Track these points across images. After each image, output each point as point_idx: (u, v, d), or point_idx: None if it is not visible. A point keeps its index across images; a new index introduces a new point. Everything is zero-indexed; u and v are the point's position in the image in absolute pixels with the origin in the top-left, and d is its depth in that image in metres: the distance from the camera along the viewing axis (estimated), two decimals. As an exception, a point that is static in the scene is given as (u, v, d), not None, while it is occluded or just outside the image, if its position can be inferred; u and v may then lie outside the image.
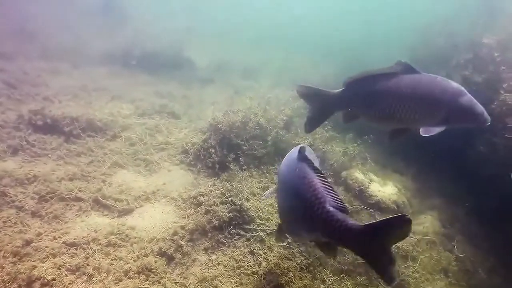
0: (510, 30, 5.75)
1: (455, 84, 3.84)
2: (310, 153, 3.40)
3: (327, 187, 2.81)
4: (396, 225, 2.41)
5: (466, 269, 5.19)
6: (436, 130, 3.77)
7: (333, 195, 2.77)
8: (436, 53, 7.52)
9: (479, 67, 6.24)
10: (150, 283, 4.13)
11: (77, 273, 3.99)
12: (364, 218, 5.64)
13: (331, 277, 4.33)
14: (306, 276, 4.37)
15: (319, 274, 4.38)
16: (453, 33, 7.49)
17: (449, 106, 3.77)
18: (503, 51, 5.73)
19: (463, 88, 3.83)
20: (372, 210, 5.82)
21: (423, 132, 3.81)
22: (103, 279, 3.98)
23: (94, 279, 3.97)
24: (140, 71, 11.73)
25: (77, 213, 4.92)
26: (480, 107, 3.77)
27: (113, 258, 4.28)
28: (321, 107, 4.53)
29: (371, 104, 4.13)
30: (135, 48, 12.46)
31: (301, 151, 3.09)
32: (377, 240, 2.49)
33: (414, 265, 4.96)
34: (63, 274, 3.92)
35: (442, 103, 3.78)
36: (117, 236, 4.61)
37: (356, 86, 4.21)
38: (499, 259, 5.37)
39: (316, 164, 3.12)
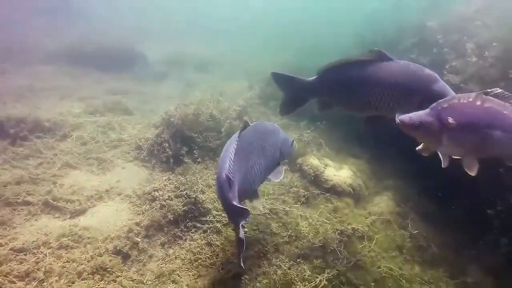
0: (451, 13, 5.91)
1: (428, 71, 3.88)
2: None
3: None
4: None
5: (420, 245, 5.33)
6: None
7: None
8: (384, 39, 7.66)
9: (424, 50, 6.42)
10: (106, 282, 4.05)
11: (26, 279, 3.87)
12: (320, 203, 5.72)
13: (286, 262, 4.37)
14: (264, 264, 4.39)
15: (275, 260, 4.41)
16: (400, 18, 7.64)
17: (424, 92, 3.79)
18: (445, 34, 5.90)
19: (436, 75, 3.88)
20: (328, 194, 5.90)
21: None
22: (55, 282, 3.87)
23: (44, 283, 3.85)
24: (91, 69, 11.44)
25: (26, 217, 4.76)
26: (452, 93, 3.79)
27: (65, 261, 4.16)
28: (294, 94, 4.55)
29: (347, 92, 4.16)
30: (85, 45, 12.12)
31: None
32: None
33: (370, 245, 5.07)
34: (10, 281, 3.79)
35: (417, 89, 3.82)
36: (69, 238, 4.48)
37: (331, 74, 4.24)
38: (449, 234, 5.55)
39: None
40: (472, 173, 3.41)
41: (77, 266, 4.12)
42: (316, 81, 4.33)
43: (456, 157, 3.47)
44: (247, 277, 4.16)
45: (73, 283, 3.92)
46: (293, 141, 4.46)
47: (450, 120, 3.20)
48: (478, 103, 3.25)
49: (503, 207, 4.78)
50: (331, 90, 4.30)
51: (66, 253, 4.28)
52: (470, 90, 5.20)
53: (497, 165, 5.03)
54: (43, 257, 4.14)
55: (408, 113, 3.51)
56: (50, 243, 4.34)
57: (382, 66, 3.99)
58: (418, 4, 7.26)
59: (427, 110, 3.37)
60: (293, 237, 4.86)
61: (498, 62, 5.03)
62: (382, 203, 6.07)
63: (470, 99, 3.26)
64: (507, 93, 3.28)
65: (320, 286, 4.19)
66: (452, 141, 3.32)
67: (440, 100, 3.34)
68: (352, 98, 4.16)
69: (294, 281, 4.11)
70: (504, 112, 3.26)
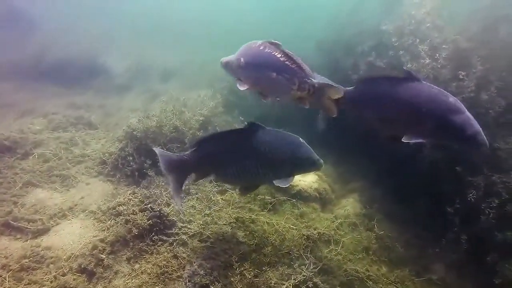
0: (405, 17, 6.07)
1: (452, 99, 3.62)
2: None
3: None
4: None
5: (386, 245, 5.43)
6: (418, 139, 3.70)
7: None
8: (343, 42, 7.80)
9: (381, 52, 6.56)
10: (69, 303, 3.99)
11: (-15, 305, 3.78)
12: (287, 209, 5.76)
13: (251, 270, 4.39)
14: (230, 274, 4.40)
15: (241, 269, 4.42)
16: (358, 22, 7.80)
17: (439, 120, 3.57)
18: (399, 37, 6.04)
19: (461, 105, 3.59)
20: (294, 200, 5.94)
21: (406, 138, 3.71)
22: (15, 306, 3.79)
23: (4, 308, 3.77)
24: (52, 83, 11.20)
25: (-16, 240, 4.65)
26: (473, 129, 3.50)
27: (26, 283, 4.08)
28: None
29: (375, 106, 4.07)
30: (44, 58, 11.88)
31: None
32: None
33: (337, 248, 5.13)
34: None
35: (433, 115, 3.59)
36: (31, 259, 4.40)
37: (368, 87, 4.16)
38: (414, 233, 5.67)
39: None
40: (332, 114, 4.09)
41: (39, 287, 4.04)
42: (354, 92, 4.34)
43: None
44: (213, 287, 4.16)
45: (34, 305, 3.85)
46: (316, 160, 4.18)
47: (242, 60, 4.15)
48: (261, 48, 4.02)
49: (461, 205, 4.91)
50: (363, 102, 4.20)
51: (27, 275, 4.20)
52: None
53: (454, 163, 5.20)
54: (2, 281, 4.04)
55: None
56: (10, 265, 4.25)
57: (409, 86, 3.82)
58: (375, 8, 7.42)
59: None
60: (260, 245, 4.88)
61: (449, 63, 5.19)
62: (348, 206, 6.16)
63: (257, 45, 4.08)
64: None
65: (287, 293, 4.22)
66: (244, 76, 4.24)
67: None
68: (379, 112, 4.06)
69: (261, 289, 4.13)
70: (278, 56, 3.94)
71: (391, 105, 3.88)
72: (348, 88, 4.20)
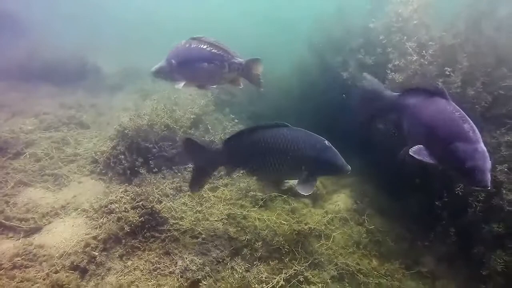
0: (392, 14, 6.14)
1: (468, 126, 3.44)
2: None
3: None
4: None
5: (376, 239, 5.50)
6: (424, 156, 3.59)
7: None
8: (332, 40, 7.87)
9: (369, 50, 6.65)
10: (62, 300, 4.02)
11: (-22, 303, 3.80)
12: (278, 205, 5.82)
13: (242, 265, 4.44)
14: (221, 269, 4.45)
15: (233, 264, 4.47)
16: (346, 20, 7.86)
17: (445, 145, 3.45)
18: (387, 34, 6.12)
19: (474, 135, 3.37)
20: (285, 196, 6.00)
21: (413, 152, 3.63)
22: (8, 303, 3.82)
23: (-3, 306, 3.79)
24: (42, 84, 11.16)
25: (-24, 240, 4.67)
26: (474, 163, 3.24)
27: (19, 281, 4.09)
28: None
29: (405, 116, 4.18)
30: (34, 60, 11.84)
31: None
32: None
33: (327, 243, 5.19)
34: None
35: (442, 139, 3.52)
36: (23, 257, 4.42)
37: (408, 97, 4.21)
38: (404, 227, 5.75)
39: None
40: (260, 87, 4.72)
41: (32, 285, 4.07)
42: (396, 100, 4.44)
43: None
44: (205, 283, 4.21)
45: (27, 302, 3.88)
46: (342, 164, 4.26)
47: (173, 61, 4.61)
48: (187, 45, 4.61)
49: (449, 198, 4.98)
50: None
51: (20, 273, 4.21)
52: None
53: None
54: (-5, 279, 4.07)
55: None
56: (2, 264, 4.26)
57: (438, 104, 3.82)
58: (362, 6, 7.48)
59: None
60: (252, 241, 4.93)
61: (436, 59, 5.26)
62: (340, 201, 6.24)
63: (182, 44, 4.67)
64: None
65: (277, 287, 4.28)
66: (179, 75, 4.65)
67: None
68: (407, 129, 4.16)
69: (251, 283, 4.18)
70: (204, 47, 4.55)
71: (415, 118, 3.98)
72: (394, 93, 4.44)
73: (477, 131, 3.41)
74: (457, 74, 5.05)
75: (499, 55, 5.07)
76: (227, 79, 4.73)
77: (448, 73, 5.07)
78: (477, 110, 5.05)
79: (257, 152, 4.26)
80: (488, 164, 3.23)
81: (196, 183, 4.71)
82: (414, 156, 3.59)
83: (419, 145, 3.66)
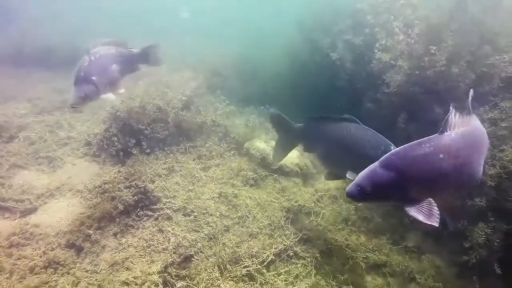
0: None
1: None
2: None
3: None
4: None
5: (364, 216, 5.62)
6: None
7: None
8: (322, 22, 7.91)
9: (358, 31, 6.74)
10: (59, 275, 4.16)
11: (-24, 279, 3.92)
12: (269, 184, 5.95)
13: (234, 240, 4.58)
14: (213, 245, 4.59)
15: (224, 240, 4.61)
16: (336, 2, 7.88)
17: None
18: (374, 15, 6.20)
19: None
20: (276, 175, 6.13)
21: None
22: (5, 280, 3.93)
23: (-5, 281, 3.91)
24: (35, 69, 11.11)
25: (-27, 220, 4.77)
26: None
27: (16, 258, 4.24)
28: None
29: None
30: (26, 46, 11.80)
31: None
32: None
33: (317, 220, 5.34)
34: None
35: None
36: (20, 236, 4.55)
37: None
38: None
39: None
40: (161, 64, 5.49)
41: (29, 262, 4.21)
42: None
43: None
44: (197, 258, 4.35)
45: (24, 278, 4.00)
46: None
47: (94, 78, 4.67)
48: (93, 58, 4.76)
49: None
50: None
51: (17, 251, 4.34)
52: (399, 67, 5.54)
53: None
54: (-7, 256, 4.19)
55: None
56: (-1, 242, 4.39)
57: None
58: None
59: None
60: (243, 218, 5.08)
61: (421, 38, 5.34)
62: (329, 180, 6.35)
63: (90, 58, 4.72)
64: None
65: (267, 261, 4.43)
66: (103, 86, 4.81)
67: None
68: None
69: (242, 258, 4.32)
70: (109, 51, 4.98)
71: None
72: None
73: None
74: (442, 53, 5.14)
75: (483, 34, 5.16)
76: (131, 69, 5.33)
77: (433, 52, 5.16)
78: (461, 88, 5.16)
79: (327, 141, 4.46)
80: None
81: (278, 154, 5.22)
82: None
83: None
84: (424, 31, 5.33)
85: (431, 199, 2.91)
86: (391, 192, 3.01)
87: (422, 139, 3.00)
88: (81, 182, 5.67)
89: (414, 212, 2.90)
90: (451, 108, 3.03)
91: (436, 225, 2.81)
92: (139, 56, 5.31)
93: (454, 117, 2.99)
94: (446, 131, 2.93)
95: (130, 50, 5.28)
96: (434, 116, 5.39)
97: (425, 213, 2.85)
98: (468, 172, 3.05)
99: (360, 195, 3.04)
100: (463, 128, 2.98)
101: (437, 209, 2.84)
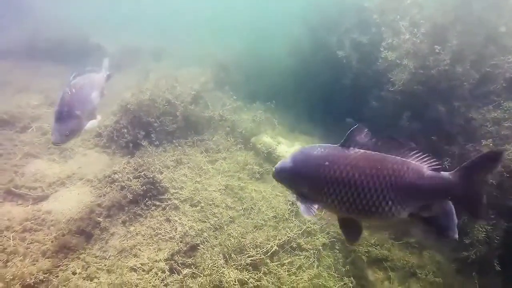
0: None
1: None
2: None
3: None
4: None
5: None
6: None
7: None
8: (327, 21, 7.99)
9: (364, 29, 6.84)
10: (70, 260, 4.32)
11: (-9, 261, 4.08)
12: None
13: (239, 230, 4.70)
14: (219, 235, 4.71)
15: (230, 230, 4.74)
16: (341, 2, 7.94)
17: None
18: (381, 14, 6.29)
19: None
20: (282, 169, 6.23)
21: None
22: (19, 262, 4.08)
23: (9, 263, 4.06)
24: (47, 63, 11.31)
25: (-12, 205, 4.94)
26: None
27: (29, 242, 4.40)
28: None
29: None
30: (39, 40, 12.01)
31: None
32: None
33: (321, 213, 5.40)
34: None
35: None
36: (33, 221, 4.72)
37: None
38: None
39: None
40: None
41: (41, 246, 4.38)
42: None
43: None
44: (203, 247, 4.48)
45: (37, 261, 4.16)
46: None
47: (77, 112, 4.53)
48: (74, 90, 4.68)
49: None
50: None
51: (30, 235, 4.51)
52: (405, 66, 5.63)
53: (431, 133, 5.49)
54: (7, 240, 4.35)
55: None
56: (13, 227, 4.56)
57: None
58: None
59: None
60: (248, 210, 5.20)
61: (427, 38, 5.43)
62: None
63: (71, 91, 4.65)
64: None
65: (271, 251, 4.55)
66: (86, 120, 4.75)
67: None
68: None
69: (247, 248, 4.44)
70: (88, 80, 5.02)
71: None
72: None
73: None
74: (446, 52, 5.22)
75: (488, 34, 5.22)
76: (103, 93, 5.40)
77: (438, 51, 5.24)
78: (465, 87, 5.24)
79: None
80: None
81: None
82: None
83: None
84: (430, 30, 5.41)
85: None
86: (289, 179, 3.28)
87: (327, 144, 3.13)
88: (91, 172, 5.82)
89: (298, 201, 3.13)
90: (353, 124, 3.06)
91: (309, 218, 2.99)
92: (108, 74, 5.62)
93: (356, 135, 2.99)
94: (346, 145, 2.97)
95: (108, 74, 5.60)
96: (437, 114, 5.50)
97: (305, 207, 3.02)
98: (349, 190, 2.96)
99: (275, 174, 3.39)
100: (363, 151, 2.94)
101: (316, 207, 2.99)
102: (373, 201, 2.83)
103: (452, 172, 2.75)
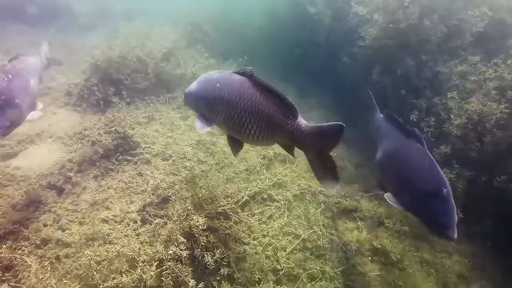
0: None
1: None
2: None
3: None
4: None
5: (339, 166, 5.82)
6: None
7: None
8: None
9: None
10: (41, 213, 4.31)
11: (-45, 215, 4.06)
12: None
13: (209, 183, 4.75)
14: (191, 187, 4.75)
15: (201, 183, 4.78)
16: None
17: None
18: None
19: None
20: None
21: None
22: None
23: (-24, 217, 4.05)
24: (12, 21, 10.93)
25: (-46, 163, 4.87)
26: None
27: (-2, 197, 4.37)
28: None
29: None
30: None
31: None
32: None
33: (292, 166, 5.53)
34: None
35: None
36: (1, 177, 4.67)
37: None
38: (364, 155, 6.11)
39: None
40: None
41: (11, 200, 4.35)
42: None
43: None
44: (174, 198, 4.53)
45: (6, 214, 4.15)
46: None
47: (17, 101, 3.95)
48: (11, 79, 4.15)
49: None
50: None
51: (-1, 191, 4.47)
52: (375, 21, 5.66)
53: (400, 87, 5.57)
54: (-26, 195, 4.32)
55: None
56: (-20, 184, 4.51)
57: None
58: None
59: None
60: (220, 164, 5.25)
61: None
62: (306, 133, 6.52)
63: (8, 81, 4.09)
64: None
65: (242, 201, 4.63)
66: (27, 109, 4.16)
67: None
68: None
69: (218, 198, 4.50)
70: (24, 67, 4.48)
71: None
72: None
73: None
74: (415, 6, 5.27)
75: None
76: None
77: (407, 5, 5.28)
78: (434, 41, 5.32)
79: (392, 153, 4.00)
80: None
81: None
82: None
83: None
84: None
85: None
86: (193, 101, 3.63)
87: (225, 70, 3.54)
88: (62, 130, 5.75)
89: (197, 119, 3.51)
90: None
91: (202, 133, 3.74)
92: (47, 59, 5.40)
93: None
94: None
95: (47, 58, 5.38)
96: (406, 68, 5.58)
97: (201, 123, 3.46)
98: None
99: (184, 99, 3.74)
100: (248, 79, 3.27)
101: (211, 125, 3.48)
102: (246, 124, 3.19)
103: (309, 124, 3.07)
